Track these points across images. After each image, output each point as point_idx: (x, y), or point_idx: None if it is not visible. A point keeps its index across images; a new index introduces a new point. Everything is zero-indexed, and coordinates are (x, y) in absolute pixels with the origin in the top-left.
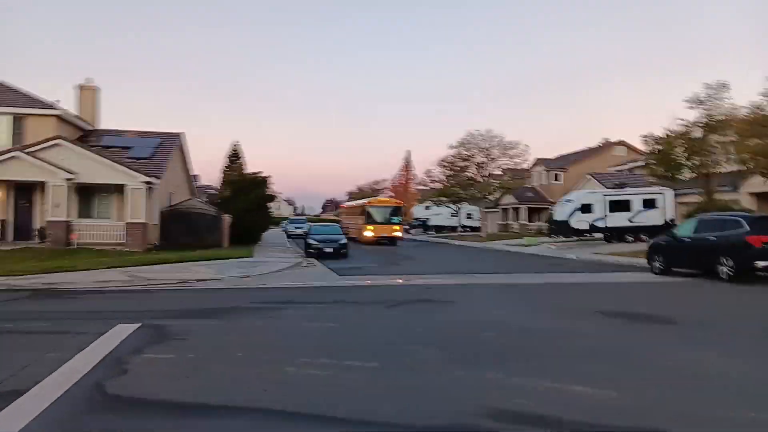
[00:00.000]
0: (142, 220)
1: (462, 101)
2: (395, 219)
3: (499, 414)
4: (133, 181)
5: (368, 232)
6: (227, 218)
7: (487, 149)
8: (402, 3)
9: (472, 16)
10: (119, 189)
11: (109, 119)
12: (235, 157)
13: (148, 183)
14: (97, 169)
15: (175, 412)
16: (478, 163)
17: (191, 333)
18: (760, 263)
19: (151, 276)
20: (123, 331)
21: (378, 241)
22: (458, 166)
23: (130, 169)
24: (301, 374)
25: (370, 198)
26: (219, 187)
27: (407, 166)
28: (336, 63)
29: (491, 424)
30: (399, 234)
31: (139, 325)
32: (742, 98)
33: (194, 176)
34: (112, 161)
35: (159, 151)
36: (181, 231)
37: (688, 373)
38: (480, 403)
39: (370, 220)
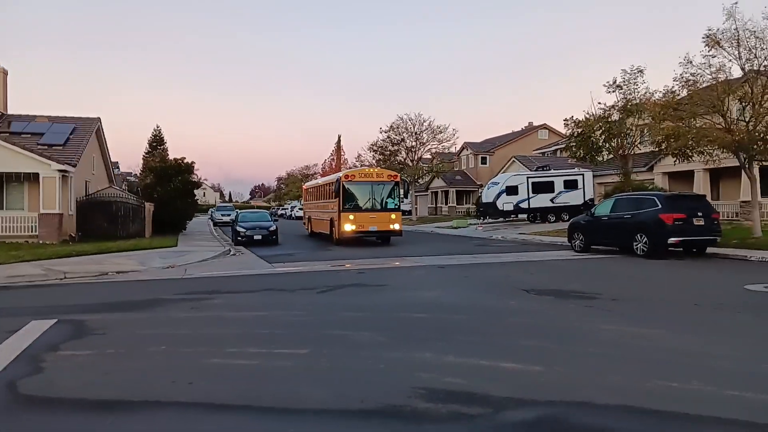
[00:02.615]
0: (57, 211)
1: (392, 86)
2: (391, 202)
3: (430, 393)
4: (46, 169)
5: (348, 225)
6: (149, 207)
7: (416, 133)
8: None
9: (402, 5)
10: (31, 178)
11: (20, 104)
12: (157, 142)
13: (62, 171)
14: (6, 157)
15: (95, 409)
16: (408, 147)
17: (111, 327)
18: (673, 239)
19: (68, 269)
20: (37, 327)
21: (364, 239)
22: (389, 151)
23: (43, 156)
24: (229, 365)
25: (349, 170)
26: (140, 174)
27: (338, 150)
28: (265, 45)
29: (422, 403)
30: (398, 227)
31: (55, 320)
32: (657, 83)
33: (114, 163)
34: (23, 148)
35: (74, 138)
36: (100, 221)
37: (613, 345)
38: (411, 384)
39: (349, 204)
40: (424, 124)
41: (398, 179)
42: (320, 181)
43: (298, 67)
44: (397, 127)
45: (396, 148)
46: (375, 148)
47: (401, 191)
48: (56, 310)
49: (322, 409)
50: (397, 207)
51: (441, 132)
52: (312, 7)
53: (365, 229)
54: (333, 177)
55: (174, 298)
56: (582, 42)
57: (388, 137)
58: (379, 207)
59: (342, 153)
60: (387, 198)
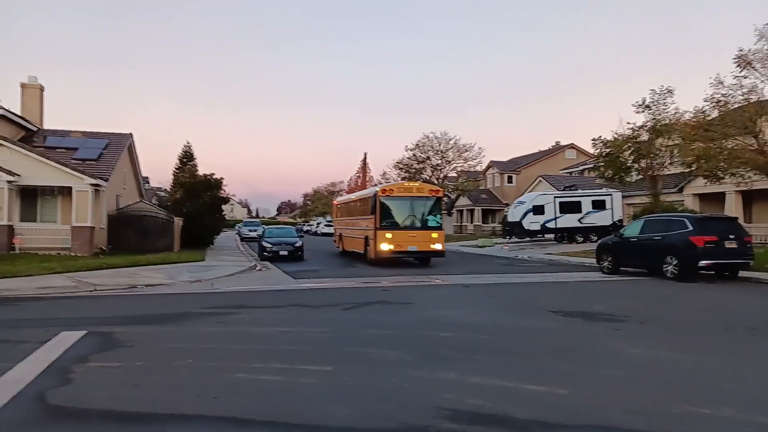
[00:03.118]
0: (89, 224)
1: (418, 103)
2: (432, 220)
3: (454, 414)
4: (80, 183)
5: (384, 244)
6: (178, 221)
7: (442, 152)
8: (362, 4)
9: (429, 19)
10: (65, 191)
11: (55, 119)
12: (187, 158)
13: (95, 185)
14: (41, 171)
15: (122, 422)
16: (433, 165)
17: (139, 340)
18: (703, 262)
19: (98, 281)
20: (67, 338)
21: (401, 259)
22: (414, 168)
23: (76, 170)
24: (254, 380)
25: (387, 184)
26: (170, 190)
27: (364, 168)
28: (292, 64)
29: (446, 424)
30: (440, 247)
31: (85, 332)
32: (687, 103)
33: (144, 178)
34: (57, 162)
35: (107, 152)
36: (130, 235)
37: (641, 369)
38: (436, 404)
39: (386, 221)
40: (450, 142)
41: (441, 194)
42: (354, 196)
43: (326, 83)
44: (423, 145)
45: (421, 166)
46: (401, 165)
47: (442, 206)
48: (86, 321)
49: (347, 427)
50: (439, 225)
51: (467, 150)
52: (339, 23)
53: (404, 248)
54: (369, 191)
55: (201, 312)
56: (610, 61)
57: (414, 155)
58: (419, 225)
59: (368, 170)
60: (428, 215)
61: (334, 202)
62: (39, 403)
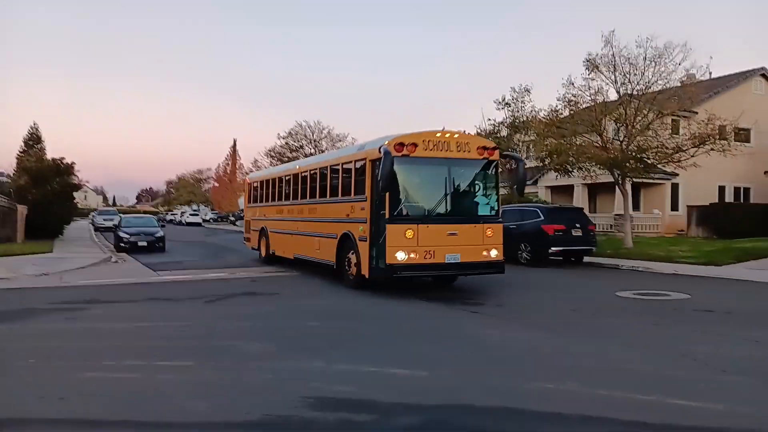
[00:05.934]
0: None
1: (291, 93)
2: (484, 203)
3: (319, 402)
4: None
5: (401, 250)
6: (22, 209)
7: (316, 141)
8: None
9: (304, 8)
10: None
11: None
12: (33, 140)
13: None
14: None
15: None
16: (306, 154)
17: None
18: (553, 249)
19: None
20: None
21: (420, 277)
22: (287, 157)
23: None
24: (106, 379)
25: (402, 135)
26: (13, 175)
27: (234, 155)
28: (157, 45)
29: (310, 412)
30: (496, 253)
31: None
32: (543, 102)
33: None
34: None
35: None
36: None
37: (496, 349)
38: (300, 393)
39: (403, 206)
40: (324, 131)
41: (495, 155)
42: (311, 161)
43: (194, 67)
44: (296, 134)
45: (295, 155)
46: (273, 153)
47: (498, 178)
48: None
49: (205, 422)
50: (495, 213)
51: (341, 140)
52: (210, 6)
53: (436, 259)
54: (354, 150)
55: (47, 308)
56: (478, 58)
57: (287, 143)
58: (460, 213)
59: (238, 158)
60: (478, 193)
61: (246, 181)
62: None
